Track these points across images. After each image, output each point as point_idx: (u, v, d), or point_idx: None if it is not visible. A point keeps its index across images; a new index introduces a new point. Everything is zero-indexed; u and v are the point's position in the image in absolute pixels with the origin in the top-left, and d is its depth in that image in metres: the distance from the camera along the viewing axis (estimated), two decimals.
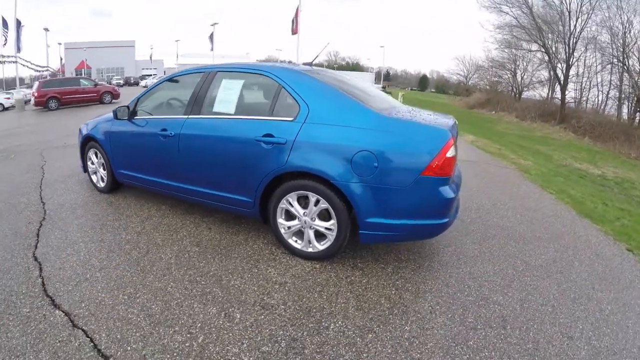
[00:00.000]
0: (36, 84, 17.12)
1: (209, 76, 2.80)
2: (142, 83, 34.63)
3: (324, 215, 2.30)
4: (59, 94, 15.85)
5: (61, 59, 44.52)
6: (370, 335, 1.79)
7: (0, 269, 2.29)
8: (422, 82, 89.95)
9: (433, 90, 78.60)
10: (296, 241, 2.47)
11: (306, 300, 2.04)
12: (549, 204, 4.04)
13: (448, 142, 2.09)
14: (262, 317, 1.90)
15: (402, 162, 2.09)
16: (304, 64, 3.09)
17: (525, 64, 31.21)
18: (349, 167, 2.14)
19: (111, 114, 3.32)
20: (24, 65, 28.50)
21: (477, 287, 2.25)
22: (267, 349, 1.68)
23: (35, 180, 4.20)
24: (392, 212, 2.13)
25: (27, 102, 17.98)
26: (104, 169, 3.54)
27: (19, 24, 21.55)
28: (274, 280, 2.22)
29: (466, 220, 3.26)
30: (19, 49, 22.15)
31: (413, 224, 2.13)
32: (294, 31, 18.87)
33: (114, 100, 17.65)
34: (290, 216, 2.44)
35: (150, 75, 40.22)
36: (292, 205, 2.37)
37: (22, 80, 24.91)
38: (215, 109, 2.66)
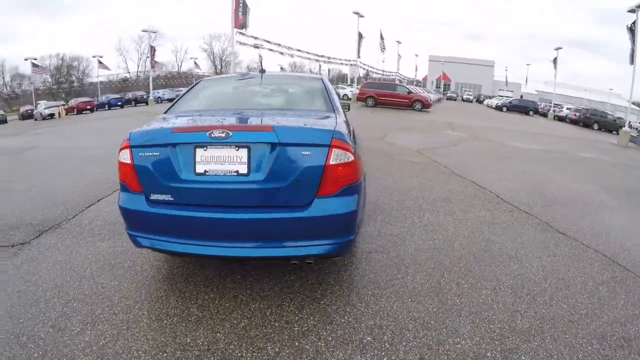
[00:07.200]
0: (362, 83, 21.54)
1: None
2: (486, 102, 35.17)
3: None
4: (375, 94, 18.76)
5: (416, 68, 56.71)
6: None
7: None
8: None
9: None
10: None
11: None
12: None
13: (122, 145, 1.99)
14: None
15: None
16: (260, 70, 3.06)
17: None
18: None
19: None
20: (362, 68, 39.81)
21: None
22: None
23: None
24: None
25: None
26: None
27: (360, 36, 29.81)
28: None
29: None
30: (359, 55, 31.08)
31: None
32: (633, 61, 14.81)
33: (423, 109, 18.65)
34: None
35: (503, 97, 38.54)
36: None
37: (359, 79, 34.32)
38: None
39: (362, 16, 29.05)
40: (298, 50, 29.93)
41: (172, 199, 1.89)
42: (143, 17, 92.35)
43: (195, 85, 3.00)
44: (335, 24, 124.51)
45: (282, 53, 28.68)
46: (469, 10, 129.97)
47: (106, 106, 30.34)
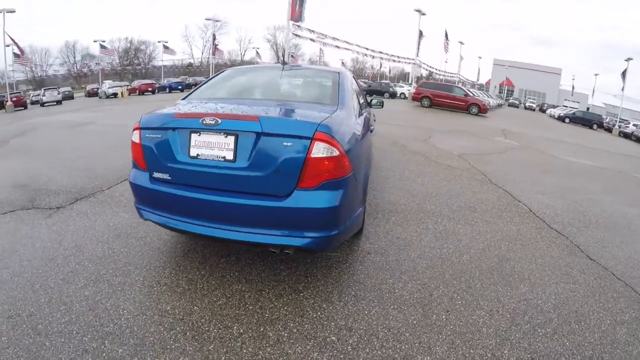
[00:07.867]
0: (418, 83, 21.43)
1: None
2: (548, 112, 33.18)
3: None
4: (431, 95, 18.38)
5: (478, 71, 55.45)
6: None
7: None
8: None
9: None
10: None
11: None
12: None
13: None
14: None
15: None
16: (282, 62, 3.46)
17: None
18: None
19: None
20: (423, 68, 39.13)
21: None
22: None
23: None
24: None
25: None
26: None
27: (420, 34, 29.05)
28: None
29: None
30: (418, 54, 30.69)
31: None
32: None
33: (480, 114, 17.79)
34: None
35: (567, 107, 35.49)
36: None
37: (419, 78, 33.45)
38: None
39: (423, 14, 28.10)
40: (357, 45, 29.77)
41: (169, 178, 2.05)
42: (211, 5, 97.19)
43: (219, 73, 3.16)
44: (401, 22, 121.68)
45: (338, 47, 28.69)
46: (538, 14, 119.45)
47: (167, 89, 32.55)
